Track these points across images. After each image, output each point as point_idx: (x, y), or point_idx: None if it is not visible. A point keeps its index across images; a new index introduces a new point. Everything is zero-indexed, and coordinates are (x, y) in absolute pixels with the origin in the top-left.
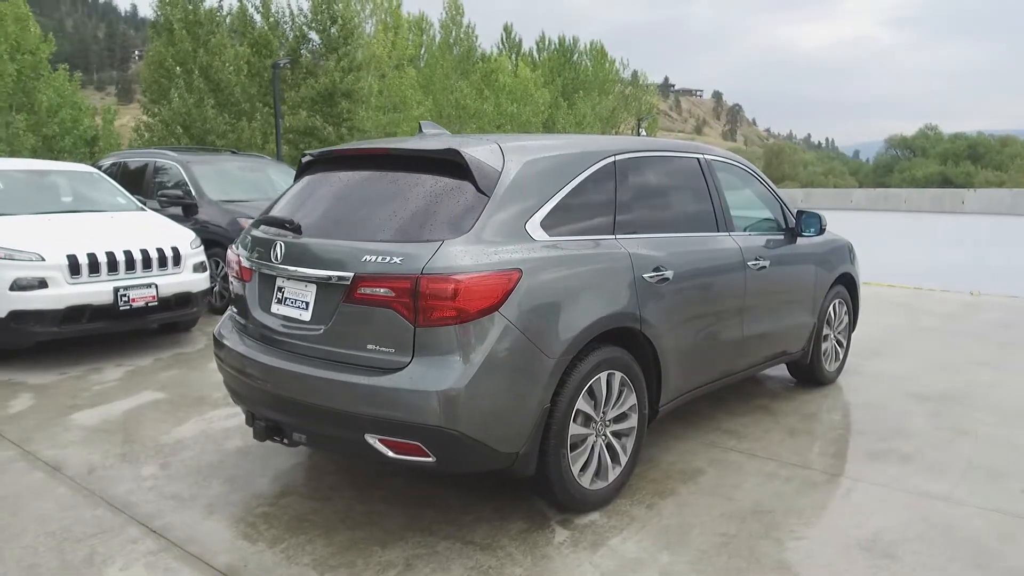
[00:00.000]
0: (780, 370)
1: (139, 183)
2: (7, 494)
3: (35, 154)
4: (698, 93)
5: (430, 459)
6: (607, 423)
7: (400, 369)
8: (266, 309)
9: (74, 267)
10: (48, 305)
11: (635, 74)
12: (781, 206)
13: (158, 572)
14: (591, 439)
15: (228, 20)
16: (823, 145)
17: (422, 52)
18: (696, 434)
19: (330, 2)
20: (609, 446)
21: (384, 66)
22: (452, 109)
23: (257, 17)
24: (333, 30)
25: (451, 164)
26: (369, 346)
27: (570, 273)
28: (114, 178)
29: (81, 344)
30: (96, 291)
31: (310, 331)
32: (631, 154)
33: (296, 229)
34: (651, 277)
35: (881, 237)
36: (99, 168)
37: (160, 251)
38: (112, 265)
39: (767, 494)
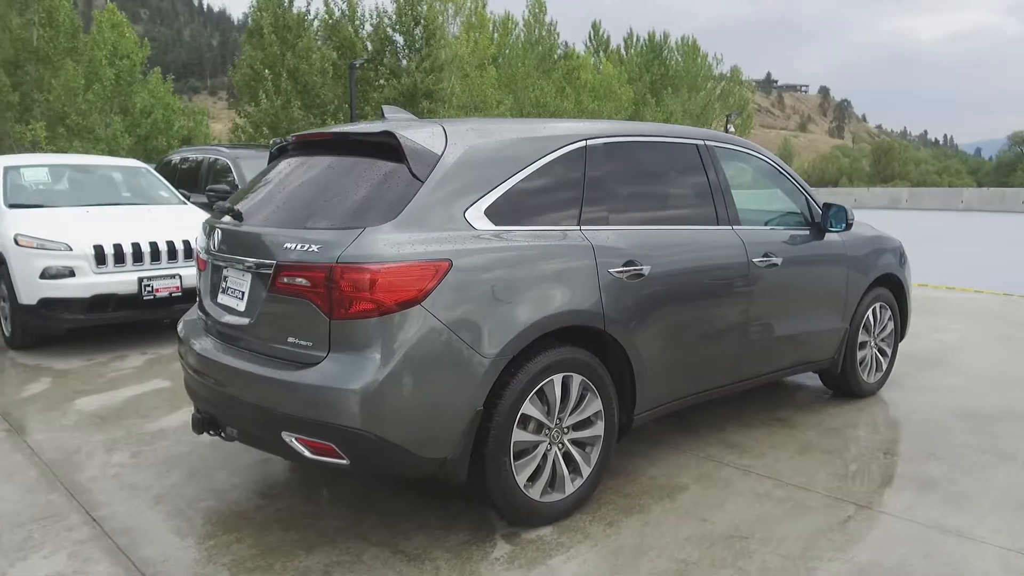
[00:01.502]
0: (814, 379)
1: (195, 178)
2: None
3: (130, 153)
4: (803, 89)
5: (344, 461)
6: (564, 430)
7: (316, 364)
8: (213, 299)
9: (100, 257)
10: (75, 293)
11: (733, 69)
12: (806, 199)
13: (77, 561)
14: (543, 447)
15: (316, 23)
16: (941, 143)
17: (505, 51)
18: (694, 445)
19: (414, 4)
20: (567, 455)
21: (466, 66)
22: (532, 107)
23: (343, 20)
24: (417, 31)
25: (387, 147)
26: (289, 339)
27: (514, 266)
28: (177, 172)
29: (117, 332)
30: (121, 280)
31: (242, 322)
32: (609, 139)
33: (237, 216)
34: (621, 272)
35: (987, 239)
36: (169, 163)
37: (186, 243)
38: (137, 256)
39: (749, 517)
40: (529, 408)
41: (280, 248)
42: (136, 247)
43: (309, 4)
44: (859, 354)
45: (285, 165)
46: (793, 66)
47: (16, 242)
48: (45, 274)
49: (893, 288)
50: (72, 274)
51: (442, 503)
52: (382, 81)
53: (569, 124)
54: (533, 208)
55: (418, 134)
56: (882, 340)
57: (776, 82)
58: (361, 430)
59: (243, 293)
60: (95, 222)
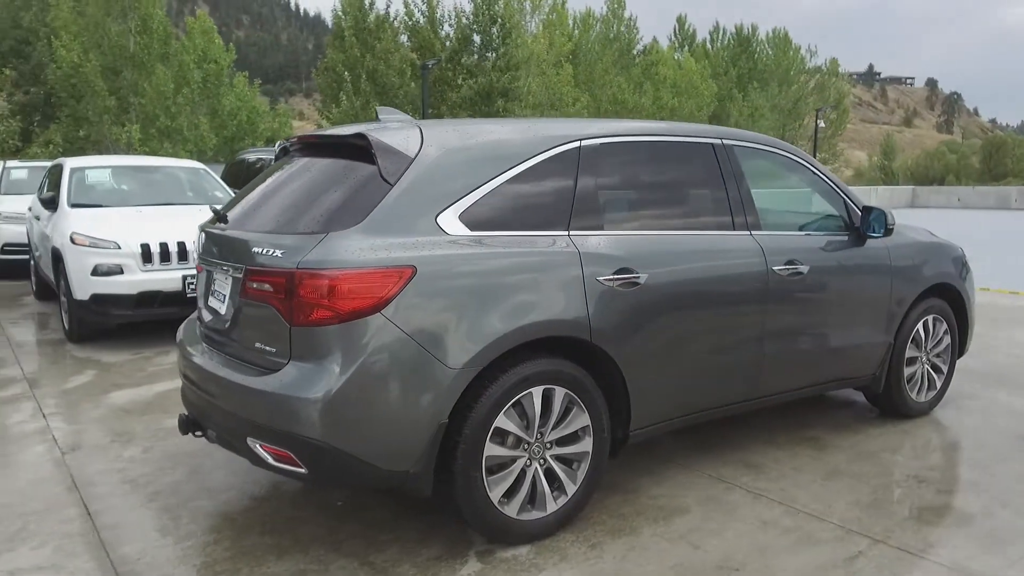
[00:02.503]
0: (859, 395)
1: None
2: (5, 460)
3: (217, 153)
4: (908, 81)
5: (302, 470)
6: (547, 445)
7: (277, 371)
8: (205, 302)
9: (146, 255)
10: (123, 290)
11: (831, 61)
12: (845, 202)
13: (59, 555)
14: (520, 463)
15: (397, 25)
16: None
17: (585, 47)
18: (708, 464)
19: (491, 3)
20: (549, 472)
21: (543, 64)
22: (609, 104)
23: (422, 21)
24: (494, 30)
25: (361, 150)
26: (256, 344)
27: (486, 273)
28: (251, 171)
29: (170, 327)
30: (166, 278)
31: (222, 325)
32: (608, 139)
33: (223, 220)
34: (611, 280)
35: None
36: (243, 162)
37: None
38: (182, 254)
39: (746, 547)
40: (504, 422)
41: (249, 253)
42: (181, 246)
43: (389, 6)
44: (906, 370)
45: (278, 168)
46: (897, 58)
47: (72, 240)
48: (96, 271)
49: (950, 299)
50: (121, 271)
51: (424, 515)
52: (460, 81)
53: (563, 124)
54: (516, 212)
55: (392, 136)
56: (936, 356)
57: (879, 75)
58: (316, 440)
59: (224, 297)
60: (145, 222)
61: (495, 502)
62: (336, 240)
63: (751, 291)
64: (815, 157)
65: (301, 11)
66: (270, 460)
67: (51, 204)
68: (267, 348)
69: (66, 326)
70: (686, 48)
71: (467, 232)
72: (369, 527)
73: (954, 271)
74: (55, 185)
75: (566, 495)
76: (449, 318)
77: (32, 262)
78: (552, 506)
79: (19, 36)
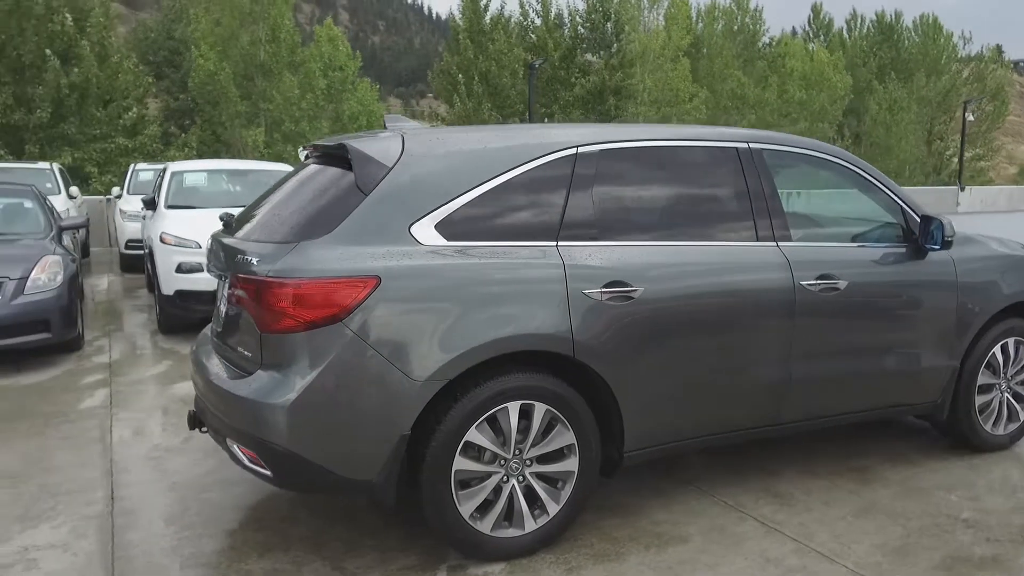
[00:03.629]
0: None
1: None
2: (63, 442)
3: None
4: None
5: (268, 473)
6: (526, 462)
7: (249, 375)
8: (216, 308)
9: None
10: (204, 286)
11: (991, 48)
12: (903, 209)
13: (72, 536)
14: (496, 478)
15: (511, 25)
16: None
17: (709, 41)
18: (728, 490)
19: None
20: (529, 489)
21: (659, 59)
22: (729, 100)
23: (537, 20)
24: (608, 26)
25: (343, 160)
26: (239, 348)
27: (456, 284)
28: None
29: None
30: None
31: (220, 329)
32: (609, 145)
33: (228, 227)
34: (600, 293)
35: None
36: None
37: None
38: None
39: None
40: (476, 436)
41: (235, 260)
42: None
43: (503, 7)
44: (979, 399)
45: (289, 177)
46: None
47: (161, 239)
48: (180, 268)
49: None
50: (202, 269)
51: (413, 524)
52: (574, 79)
53: (560, 130)
54: (501, 222)
55: (371, 145)
56: (1020, 384)
57: None
58: (279, 445)
59: (223, 303)
60: None
61: (465, 517)
62: (305, 249)
63: (772, 307)
64: (963, 152)
65: (433, 14)
66: (246, 461)
67: (152, 205)
68: (245, 352)
69: (157, 318)
70: (821, 38)
71: (443, 242)
72: (356, 532)
73: None
74: (158, 187)
75: (547, 514)
76: (414, 329)
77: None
78: (531, 525)
79: (172, 47)
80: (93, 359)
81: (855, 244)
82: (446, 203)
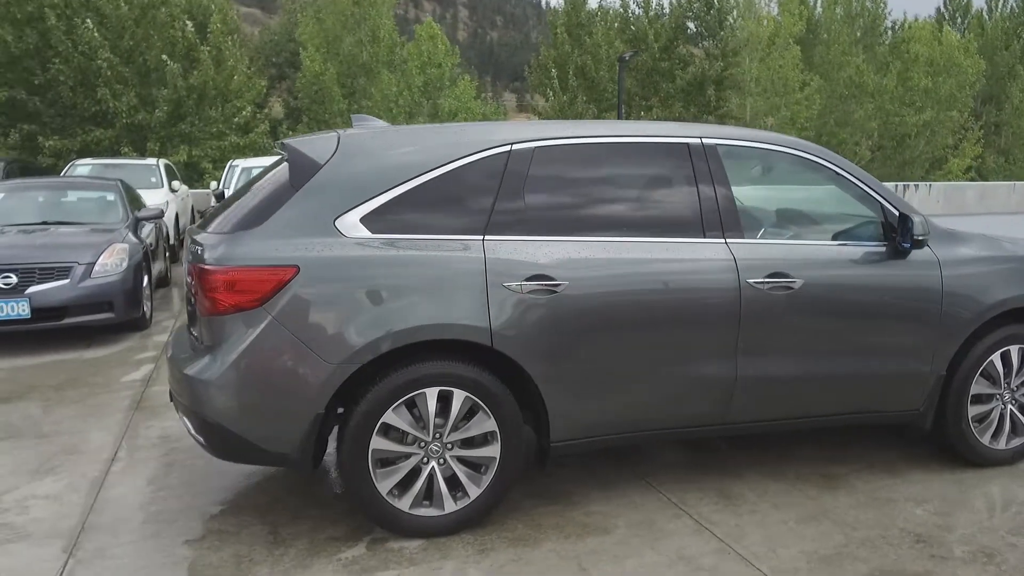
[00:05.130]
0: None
1: None
2: (95, 409)
3: None
4: None
5: (203, 441)
6: (447, 446)
7: (193, 354)
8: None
9: None
10: None
11: None
12: (882, 207)
13: (66, 490)
14: (415, 459)
15: (609, 17)
16: None
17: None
18: (677, 487)
19: None
20: (450, 472)
21: (769, 47)
22: (844, 87)
23: (638, 11)
24: (713, 13)
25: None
26: (193, 332)
27: (375, 275)
28: None
29: None
30: None
31: (188, 316)
32: (545, 142)
33: (200, 221)
34: (522, 286)
35: None
36: None
37: None
38: None
39: None
40: (393, 418)
41: (190, 250)
42: None
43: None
44: (973, 409)
45: (263, 173)
46: None
47: None
48: None
49: None
50: None
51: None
52: (676, 71)
53: (494, 128)
54: (429, 216)
55: (308, 144)
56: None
57: None
58: (205, 416)
59: (187, 289)
60: None
61: (383, 493)
62: (237, 239)
63: (713, 305)
64: None
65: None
66: (191, 430)
67: (220, 198)
68: (195, 333)
69: None
70: (958, 20)
71: (367, 235)
72: (306, 503)
73: None
74: (225, 181)
75: (468, 497)
76: (329, 315)
77: None
78: (451, 506)
79: (292, 49)
80: (154, 338)
81: (826, 243)
82: (372, 198)
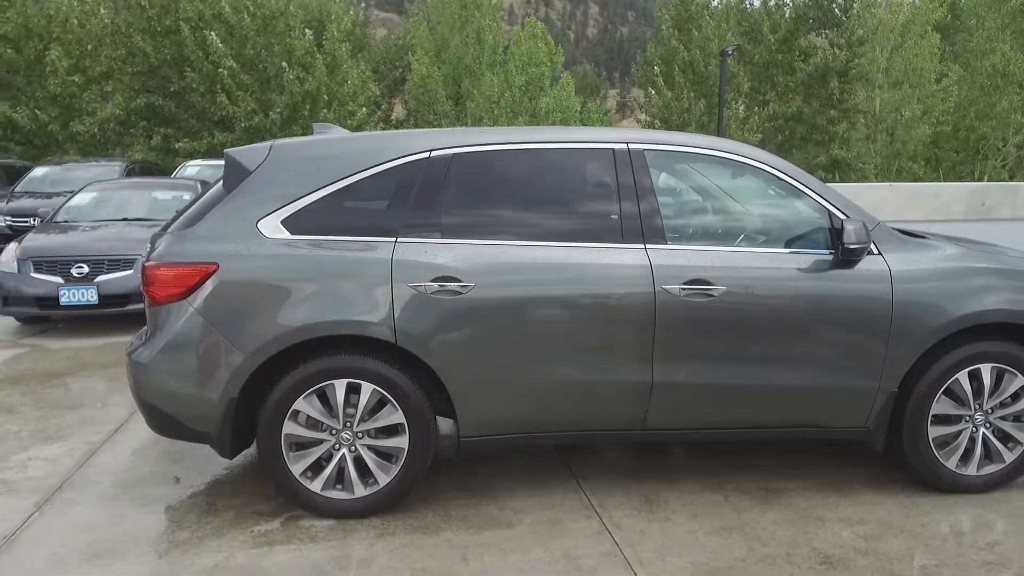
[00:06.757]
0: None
1: None
2: (121, 384)
3: None
4: None
5: (144, 418)
6: (358, 435)
7: (141, 340)
8: None
9: None
10: None
11: None
12: (829, 212)
13: (66, 454)
14: (327, 446)
15: (722, 9)
16: None
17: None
18: (604, 489)
19: None
20: (359, 460)
21: (902, 35)
22: (987, 78)
23: (756, 2)
24: (838, 1)
25: None
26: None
27: (289, 273)
28: None
29: None
30: None
31: None
32: (465, 149)
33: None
34: (427, 287)
35: None
36: None
37: None
38: None
39: (505, 572)
40: (304, 406)
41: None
42: None
43: None
44: (934, 430)
45: None
46: None
47: None
48: None
49: None
50: None
51: None
52: (796, 63)
53: (417, 136)
54: (346, 219)
55: (244, 153)
56: (1005, 419)
57: None
58: (142, 396)
59: None
60: None
61: (296, 475)
62: (172, 238)
63: (627, 311)
64: None
65: None
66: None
67: None
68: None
69: None
70: None
71: (287, 236)
72: (252, 480)
73: None
74: None
75: (378, 484)
76: (245, 309)
77: None
78: (361, 491)
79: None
80: None
81: (758, 250)
82: (293, 202)
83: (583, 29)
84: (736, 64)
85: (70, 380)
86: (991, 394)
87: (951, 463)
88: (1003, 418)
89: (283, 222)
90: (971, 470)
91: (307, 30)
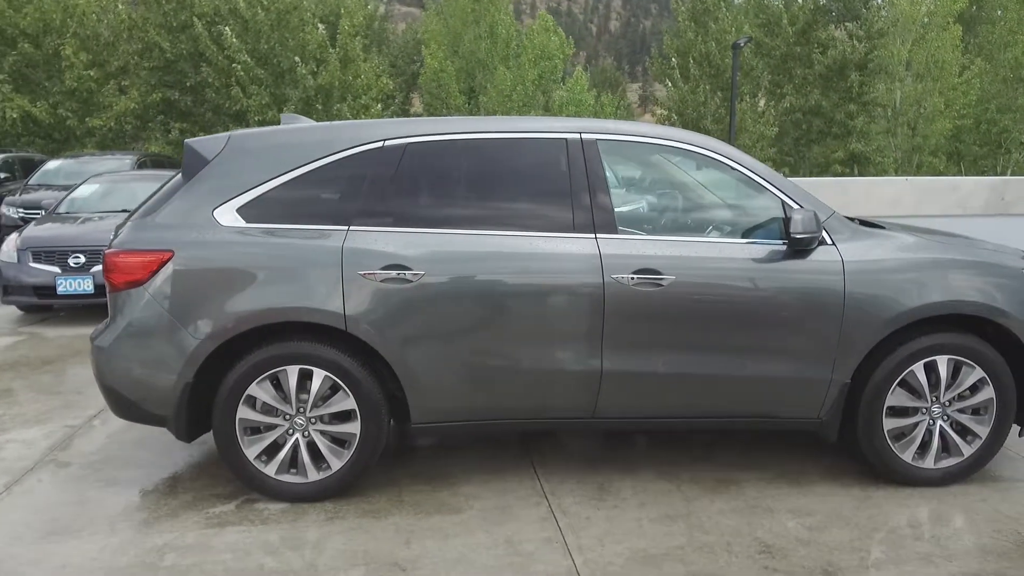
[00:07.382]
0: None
1: None
2: None
3: None
4: None
5: (105, 401)
6: (311, 420)
7: (104, 326)
8: None
9: None
10: None
11: None
12: (783, 203)
13: (42, 437)
14: (280, 430)
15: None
16: None
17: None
18: (558, 477)
19: None
20: (312, 445)
21: (923, 26)
22: (1009, 70)
23: None
24: None
25: None
26: None
27: (241, 260)
28: None
29: None
30: None
31: None
32: (418, 138)
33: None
34: (375, 275)
35: None
36: None
37: None
38: None
39: (447, 557)
40: (257, 391)
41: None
42: None
43: None
44: (889, 422)
45: None
46: None
47: None
48: None
49: (1002, 336)
50: None
51: None
52: (815, 55)
53: (371, 125)
54: (299, 207)
55: (203, 143)
56: (963, 412)
57: None
58: (103, 380)
59: None
60: None
61: (250, 458)
62: (132, 226)
63: (575, 300)
64: None
65: None
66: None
67: None
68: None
69: None
70: None
71: (242, 224)
72: (220, 466)
73: (1003, 297)
74: None
75: (331, 469)
76: (198, 295)
77: None
78: (314, 475)
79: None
80: None
81: (710, 240)
82: (248, 191)
83: (605, 22)
84: (754, 57)
85: (61, 367)
86: (948, 387)
87: (907, 455)
88: (961, 411)
89: (239, 210)
90: (928, 463)
91: (319, 24)
